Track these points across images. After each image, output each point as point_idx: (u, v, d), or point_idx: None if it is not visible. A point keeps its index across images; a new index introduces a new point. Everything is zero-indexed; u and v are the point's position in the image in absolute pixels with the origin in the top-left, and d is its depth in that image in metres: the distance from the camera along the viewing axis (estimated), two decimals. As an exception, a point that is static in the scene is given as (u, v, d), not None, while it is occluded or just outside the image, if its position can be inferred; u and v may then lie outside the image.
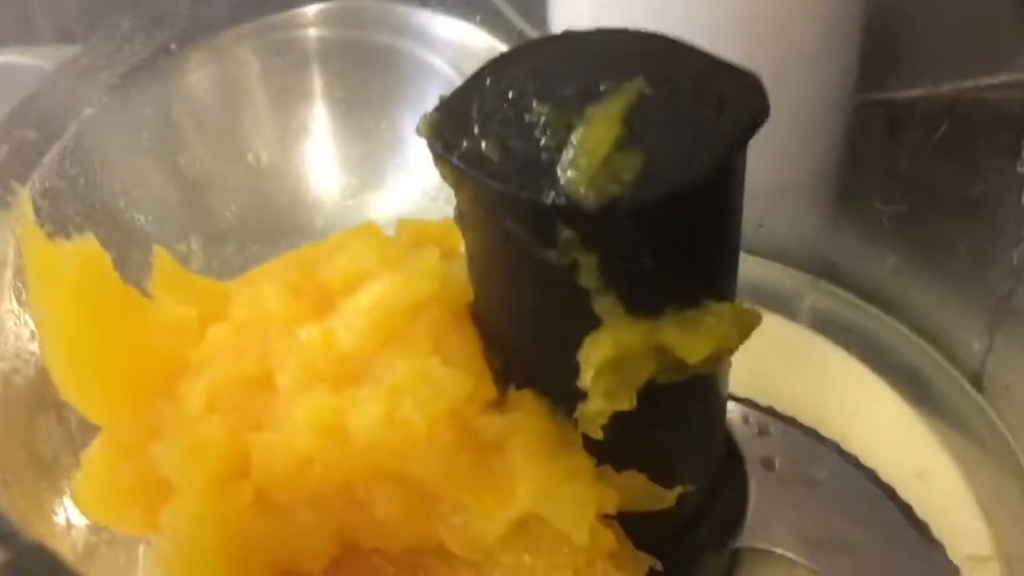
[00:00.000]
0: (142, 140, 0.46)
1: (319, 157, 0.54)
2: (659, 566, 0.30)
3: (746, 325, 0.27)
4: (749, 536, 0.37)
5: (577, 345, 0.26)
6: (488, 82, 0.26)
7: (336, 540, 0.27)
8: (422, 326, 0.28)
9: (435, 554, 0.27)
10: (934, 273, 0.46)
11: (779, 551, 0.38)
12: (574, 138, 0.24)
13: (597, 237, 0.23)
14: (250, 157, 0.49)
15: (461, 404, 0.26)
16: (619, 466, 0.29)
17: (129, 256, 0.36)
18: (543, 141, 0.24)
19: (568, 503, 0.26)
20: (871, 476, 0.39)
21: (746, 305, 0.28)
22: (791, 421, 0.41)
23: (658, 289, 0.25)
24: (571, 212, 0.23)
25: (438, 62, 0.55)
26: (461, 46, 0.54)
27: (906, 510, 0.38)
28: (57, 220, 0.35)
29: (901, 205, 0.45)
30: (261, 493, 0.26)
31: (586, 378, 0.26)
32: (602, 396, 0.26)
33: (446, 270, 0.28)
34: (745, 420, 0.40)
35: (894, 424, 0.46)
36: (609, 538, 0.27)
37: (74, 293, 0.30)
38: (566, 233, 0.23)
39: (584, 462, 0.28)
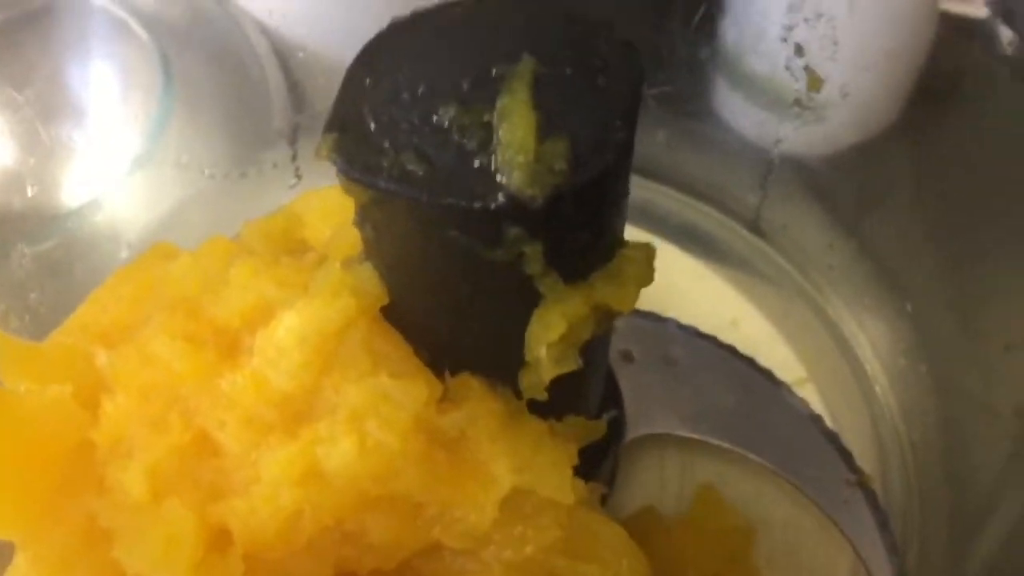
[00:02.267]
0: None
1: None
2: (608, 490, 0.32)
3: (650, 257, 0.29)
4: (633, 427, 0.41)
5: (517, 322, 0.27)
6: (368, 83, 0.25)
7: (334, 574, 0.27)
8: (354, 345, 0.27)
9: (423, 553, 0.28)
10: (702, 143, 0.51)
11: (660, 431, 0.41)
12: (500, 136, 0.24)
13: (542, 227, 0.24)
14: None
15: (422, 411, 0.27)
16: (558, 416, 0.31)
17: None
18: (464, 144, 0.24)
19: (546, 470, 0.28)
20: (713, 341, 0.44)
21: (638, 240, 0.29)
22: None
23: (590, 255, 0.27)
24: (518, 211, 0.23)
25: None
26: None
27: (750, 362, 0.43)
28: None
29: (667, 87, 0.48)
30: (251, 559, 0.26)
31: (539, 353, 0.27)
32: (553, 364, 0.27)
33: (356, 281, 0.28)
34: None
35: (695, 283, 0.51)
36: (581, 487, 0.29)
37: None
38: (513, 231, 0.24)
39: (538, 425, 0.29)
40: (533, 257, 0.25)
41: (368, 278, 0.28)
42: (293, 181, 0.50)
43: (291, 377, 0.27)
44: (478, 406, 0.28)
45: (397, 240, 0.26)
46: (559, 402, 0.30)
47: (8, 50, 0.48)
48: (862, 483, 0.39)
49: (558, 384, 0.28)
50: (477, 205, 0.23)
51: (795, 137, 0.45)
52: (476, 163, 0.24)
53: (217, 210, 0.50)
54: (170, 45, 0.47)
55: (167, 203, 0.49)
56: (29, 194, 0.46)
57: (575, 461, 0.29)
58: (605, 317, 0.28)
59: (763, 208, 0.50)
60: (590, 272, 0.27)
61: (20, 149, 0.48)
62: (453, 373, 0.29)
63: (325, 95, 0.50)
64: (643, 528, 0.41)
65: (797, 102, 0.42)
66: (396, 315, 0.29)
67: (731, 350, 0.43)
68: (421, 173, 0.24)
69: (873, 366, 0.45)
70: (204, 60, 0.51)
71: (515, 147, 0.23)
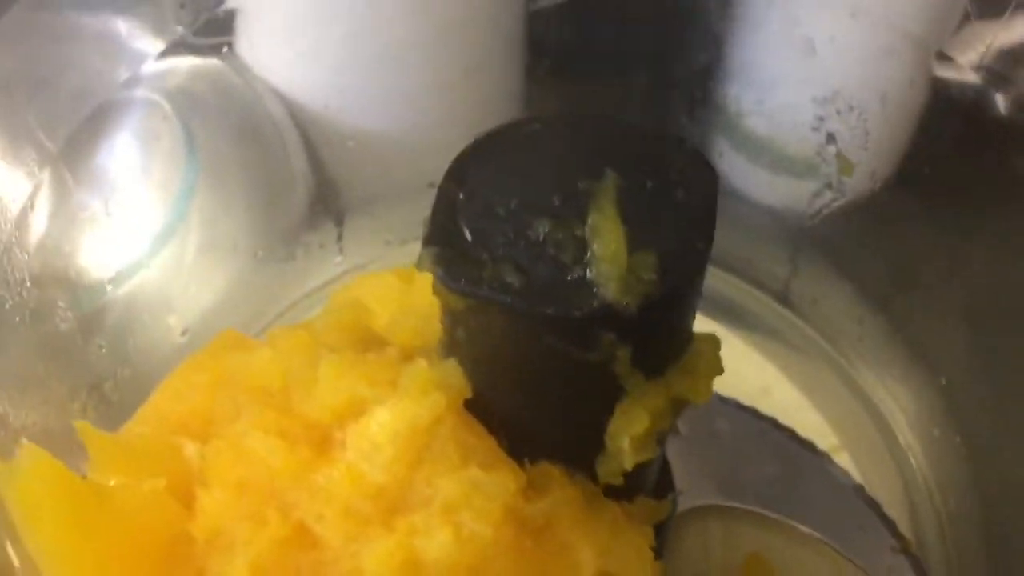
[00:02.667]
0: None
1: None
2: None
3: (717, 349, 0.31)
4: (682, 500, 0.42)
5: (597, 414, 0.29)
6: (461, 198, 0.27)
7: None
8: (443, 439, 0.29)
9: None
10: (730, 217, 0.52)
11: (706, 503, 0.43)
12: (594, 251, 0.26)
13: (633, 332, 0.26)
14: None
15: (511, 500, 0.28)
16: (629, 497, 0.32)
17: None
18: (559, 256, 0.26)
19: (627, 552, 0.29)
20: (754, 412, 0.45)
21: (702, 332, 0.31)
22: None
23: (668, 352, 0.28)
24: (613, 319, 0.25)
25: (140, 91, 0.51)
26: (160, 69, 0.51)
27: (791, 433, 0.45)
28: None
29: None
30: (356, 649, 0.27)
31: (621, 444, 0.28)
32: (634, 454, 0.29)
33: (442, 377, 0.29)
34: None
35: (725, 351, 0.53)
36: (658, 567, 0.30)
37: (52, 513, 0.28)
38: (607, 337, 0.26)
39: (614, 509, 0.31)
40: (622, 359, 0.26)
41: (453, 373, 0.30)
42: (338, 259, 0.52)
43: (385, 471, 0.28)
44: (560, 494, 0.29)
45: (488, 342, 0.28)
46: (630, 485, 0.31)
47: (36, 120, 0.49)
48: (906, 550, 0.41)
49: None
50: (576, 314, 0.25)
51: (821, 216, 0.47)
52: (571, 275, 0.25)
53: (266, 290, 0.51)
54: (193, 118, 0.49)
55: (216, 283, 0.50)
56: (57, 264, 0.47)
57: (653, 542, 0.31)
58: (680, 408, 0.30)
59: (792, 281, 0.52)
60: (666, 368, 0.29)
61: (46, 219, 0.48)
62: (532, 461, 0.31)
63: (349, 169, 0.51)
64: (693, 599, 0.43)
65: (828, 186, 0.44)
66: (478, 407, 0.30)
67: (772, 422, 0.45)
68: (518, 284, 0.25)
69: (906, 436, 0.47)
70: (227, 134, 0.52)
71: (608, 261, 0.25)
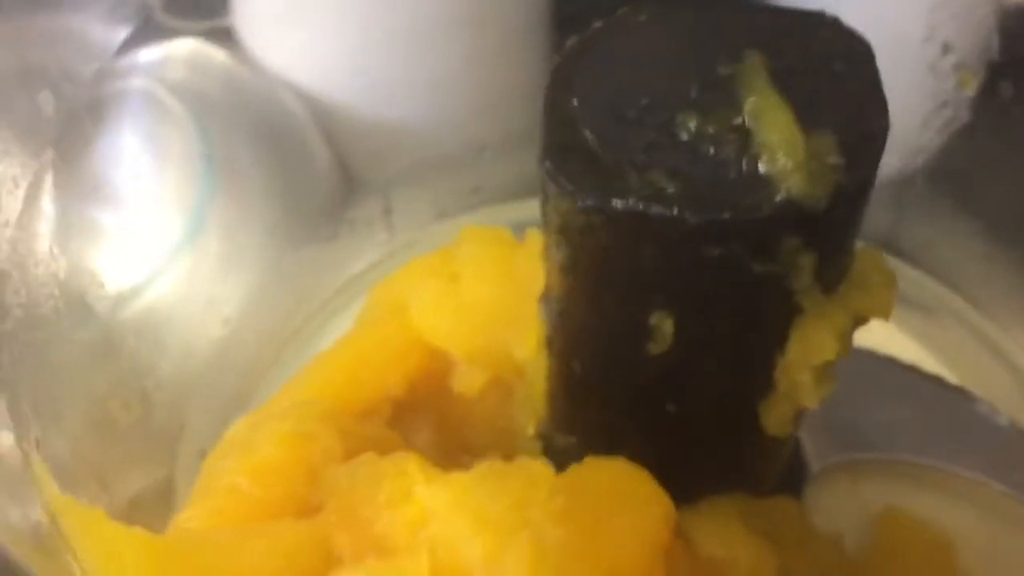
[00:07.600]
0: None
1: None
2: None
3: (884, 261, 0.26)
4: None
5: (764, 346, 0.24)
6: (577, 104, 0.23)
7: None
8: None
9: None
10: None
11: (839, 460, 0.38)
12: (762, 140, 0.21)
13: (821, 233, 0.22)
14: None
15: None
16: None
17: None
18: (718, 153, 0.21)
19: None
20: (865, 352, 0.39)
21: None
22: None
23: (849, 260, 0.24)
24: (799, 217, 0.21)
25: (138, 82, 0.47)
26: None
27: (914, 370, 0.40)
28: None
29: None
30: None
31: (801, 377, 0.24)
32: (816, 387, 0.24)
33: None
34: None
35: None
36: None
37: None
38: (790, 242, 0.21)
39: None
40: (805, 269, 0.22)
41: None
42: (384, 236, 0.48)
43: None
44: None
45: (627, 278, 0.24)
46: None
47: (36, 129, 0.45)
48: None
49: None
50: (758, 216, 0.21)
51: (934, 144, 0.42)
52: (737, 172, 0.21)
53: (309, 272, 0.47)
54: (207, 118, 0.44)
55: (251, 270, 0.46)
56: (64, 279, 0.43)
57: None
58: (855, 330, 0.25)
59: (900, 224, 0.47)
60: (839, 284, 0.24)
61: (54, 234, 0.44)
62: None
63: (372, 153, 0.47)
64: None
65: (943, 104, 0.40)
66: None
67: (889, 359, 0.40)
68: (676, 190, 0.21)
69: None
70: (243, 132, 0.48)
71: (784, 148, 0.21)
